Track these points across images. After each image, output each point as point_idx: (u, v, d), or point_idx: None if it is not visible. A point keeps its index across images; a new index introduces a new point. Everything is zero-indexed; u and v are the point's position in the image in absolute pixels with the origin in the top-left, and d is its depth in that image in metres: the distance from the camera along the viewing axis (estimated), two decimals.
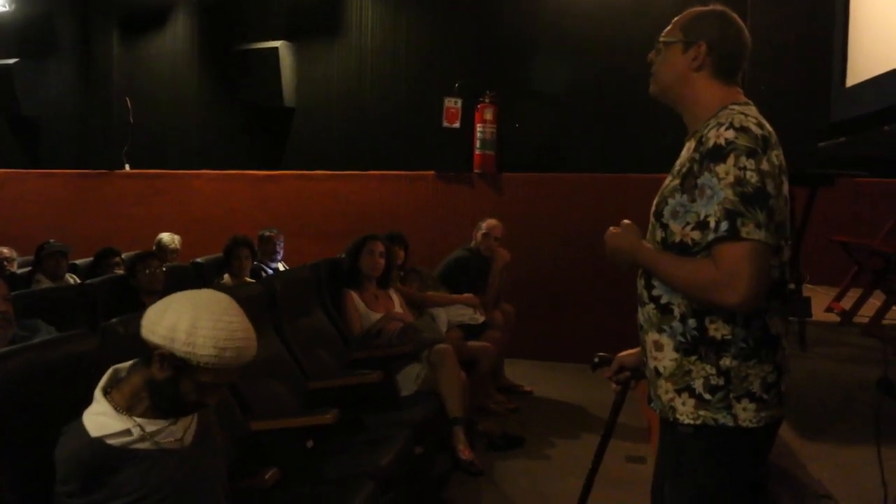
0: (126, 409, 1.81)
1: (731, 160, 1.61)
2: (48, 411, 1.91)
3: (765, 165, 1.62)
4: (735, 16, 1.85)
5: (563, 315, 6.43)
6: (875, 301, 4.14)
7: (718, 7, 1.86)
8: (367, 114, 7.28)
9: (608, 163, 6.52)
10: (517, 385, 5.55)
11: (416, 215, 6.82)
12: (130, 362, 1.89)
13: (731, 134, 1.63)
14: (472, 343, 4.71)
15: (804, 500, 2.14)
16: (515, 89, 6.69)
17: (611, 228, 1.89)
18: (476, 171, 6.75)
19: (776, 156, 1.68)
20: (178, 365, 1.76)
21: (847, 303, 4.43)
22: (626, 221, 1.88)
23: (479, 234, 5.48)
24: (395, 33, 7.15)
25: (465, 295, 5.02)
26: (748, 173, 1.60)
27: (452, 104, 6.82)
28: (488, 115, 6.64)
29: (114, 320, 2.38)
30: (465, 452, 3.89)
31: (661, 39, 1.87)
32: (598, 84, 6.55)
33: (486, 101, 6.63)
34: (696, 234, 1.69)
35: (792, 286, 4.19)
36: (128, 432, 1.78)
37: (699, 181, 1.66)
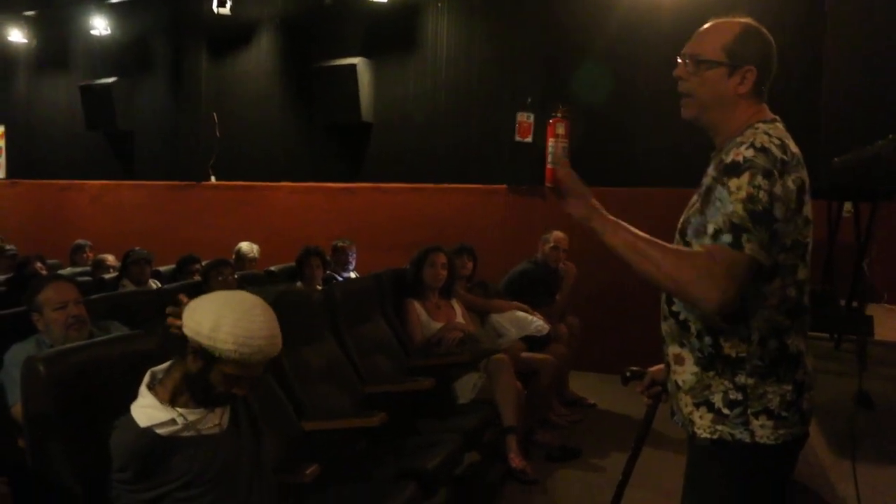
0: (169, 401, 1.98)
1: (745, 177, 1.60)
2: (110, 403, 2.06)
3: (778, 189, 1.61)
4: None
5: (631, 328, 6.34)
6: None
7: (752, 22, 1.79)
8: (441, 128, 7.40)
9: (678, 177, 6.43)
10: (581, 398, 5.55)
11: (488, 228, 6.90)
12: (167, 364, 2.06)
13: (750, 153, 1.62)
14: (532, 355, 4.74)
15: None
16: (586, 102, 6.67)
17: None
18: (548, 185, 6.77)
19: (795, 179, 1.65)
20: (206, 356, 1.92)
21: None
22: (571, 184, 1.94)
23: (546, 247, 5.51)
24: (469, 50, 7.27)
25: (515, 303, 5.01)
26: (761, 192, 1.59)
27: (525, 119, 6.88)
28: (560, 130, 6.65)
29: None
30: (515, 461, 3.93)
31: (701, 58, 1.79)
32: (669, 97, 6.46)
33: (559, 115, 6.66)
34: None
35: (854, 304, 4.11)
36: (173, 422, 1.96)
37: (713, 194, 1.66)
